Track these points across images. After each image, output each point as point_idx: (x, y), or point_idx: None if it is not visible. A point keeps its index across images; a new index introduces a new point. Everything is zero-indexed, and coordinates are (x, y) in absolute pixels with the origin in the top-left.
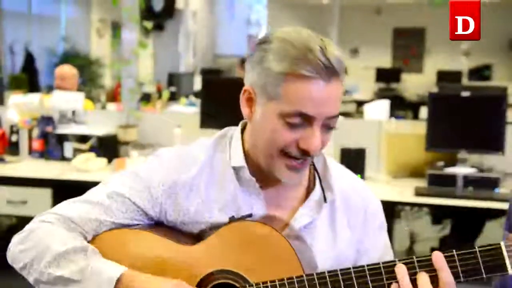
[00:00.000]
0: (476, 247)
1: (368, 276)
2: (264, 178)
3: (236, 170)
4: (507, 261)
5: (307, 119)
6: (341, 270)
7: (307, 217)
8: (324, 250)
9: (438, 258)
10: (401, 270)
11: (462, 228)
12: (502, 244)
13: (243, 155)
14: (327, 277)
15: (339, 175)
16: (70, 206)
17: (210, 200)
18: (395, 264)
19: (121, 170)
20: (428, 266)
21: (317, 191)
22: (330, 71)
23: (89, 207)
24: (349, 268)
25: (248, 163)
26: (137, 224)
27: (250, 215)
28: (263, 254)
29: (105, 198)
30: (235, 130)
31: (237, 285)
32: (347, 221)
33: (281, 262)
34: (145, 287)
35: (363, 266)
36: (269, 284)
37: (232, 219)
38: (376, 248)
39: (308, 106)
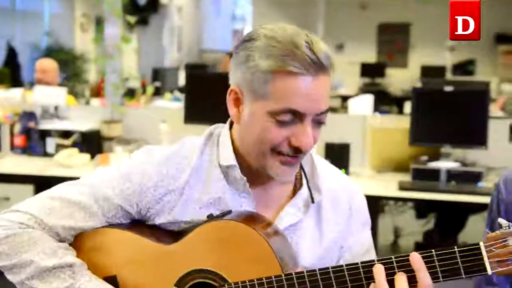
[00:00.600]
0: (455, 247)
1: (346, 276)
2: (253, 177)
3: (225, 169)
4: (487, 262)
5: (297, 116)
6: (320, 269)
7: (294, 216)
8: (310, 249)
9: (416, 259)
10: (378, 270)
11: (446, 222)
12: (481, 244)
13: (233, 154)
14: (306, 276)
15: (326, 174)
16: (54, 208)
17: (195, 200)
18: (373, 264)
19: (104, 166)
20: (407, 266)
21: (304, 191)
22: (318, 66)
23: (72, 211)
24: (328, 268)
25: (238, 162)
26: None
27: (229, 212)
28: (241, 253)
29: (92, 201)
30: (223, 128)
31: (216, 284)
32: (334, 220)
33: (260, 261)
34: None
35: (341, 266)
36: (247, 283)
37: (210, 217)
38: (359, 244)
39: (298, 103)
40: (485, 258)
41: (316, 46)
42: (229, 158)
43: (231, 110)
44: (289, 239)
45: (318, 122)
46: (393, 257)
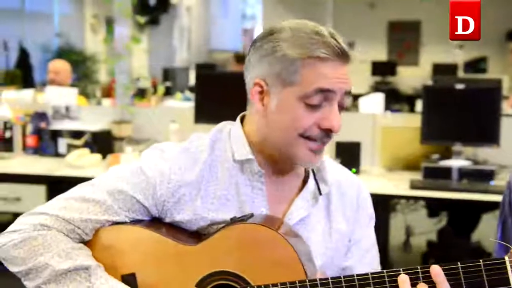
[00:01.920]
0: (481, 261)
1: (372, 284)
2: (267, 171)
3: (240, 163)
4: (511, 276)
5: (326, 97)
6: (344, 276)
7: (303, 210)
8: (320, 242)
9: (436, 272)
10: (403, 280)
11: (458, 220)
12: (507, 258)
13: (250, 148)
14: (330, 283)
15: (333, 167)
16: (69, 205)
17: (212, 196)
18: (399, 273)
19: (115, 166)
20: (430, 277)
21: (311, 184)
22: (343, 54)
23: (89, 206)
24: (353, 276)
25: (254, 156)
26: (135, 220)
27: (252, 215)
28: (265, 256)
29: (106, 196)
30: (233, 124)
31: (238, 286)
32: (342, 213)
33: (283, 265)
34: None
35: (367, 274)
36: (271, 287)
37: (233, 220)
38: (366, 238)
39: (328, 83)
40: (510, 272)
41: (337, 35)
42: (245, 153)
43: (256, 104)
44: (300, 233)
45: (341, 106)
46: (418, 267)
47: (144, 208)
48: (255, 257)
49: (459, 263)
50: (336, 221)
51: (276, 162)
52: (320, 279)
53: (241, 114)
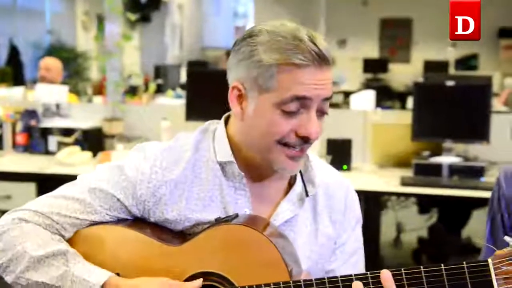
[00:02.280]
0: (464, 263)
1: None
2: (249, 173)
3: (222, 165)
4: (494, 279)
5: (303, 104)
6: (328, 278)
7: (289, 212)
8: (305, 244)
9: (386, 276)
10: (386, 276)
11: (449, 217)
12: (490, 261)
13: (230, 150)
14: (314, 284)
15: (320, 168)
16: (48, 202)
17: (195, 196)
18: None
19: (100, 165)
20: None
21: (298, 185)
22: (321, 58)
23: (68, 203)
24: (337, 277)
25: (235, 157)
26: (120, 220)
27: (236, 216)
28: (249, 257)
29: (87, 194)
30: (218, 124)
31: (222, 287)
32: (329, 216)
33: (267, 266)
34: (137, 286)
35: (350, 275)
36: (254, 287)
37: (218, 220)
38: (351, 241)
39: (304, 90)
40: (493, 275)
41: (318, 39)
42: (226, 154)
43: (234, 107)
44: (286, 235)
45: (322, 111)
46: (368, 273)
47: (125, 207)
48: (240, 258)
49: (442, 264)
50: (322, 224)
51: (257, 165)
52: (304, 280)
53: (226, 114)
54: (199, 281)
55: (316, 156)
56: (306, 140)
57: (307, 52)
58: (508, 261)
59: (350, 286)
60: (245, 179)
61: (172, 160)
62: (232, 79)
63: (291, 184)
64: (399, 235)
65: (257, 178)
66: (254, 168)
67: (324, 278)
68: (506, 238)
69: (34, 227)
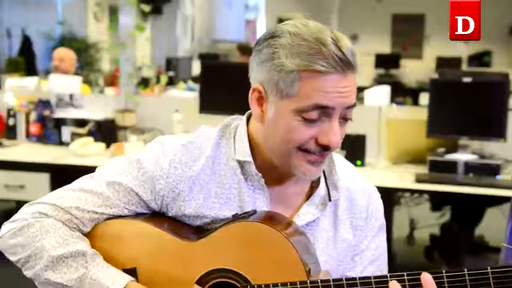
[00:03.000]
0: (465, 270)
1: (373, 285)
2: (269, 174)
3: (241, 164)
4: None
5: (325, 113)
6: (346, 279)
7: (311, 215)
8: (324, 248)
9: (427, 279)
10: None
11: (462, 215)
12: (489, 269)
13: (250, 149)
14: (332, 286)
15: (344, 173)
16: (67, 195)
17: (213, 195)
18: (418, 276)
19: (119, 155)
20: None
21: (321, 189)
22: (345, 64)
23: (87, 197)
24: (355, 278)
25: (254, 158)
26: (137, 214)
27: (254, 212)
28: (266, 255)
29: (105, 188)
30: (240, 121)
31: (238, 285)
32: (350, 222)
33: (284, 264)
34: None
35: (369, 277)
36: (271, 286)
37: (235, 217)
38: (371, 249)
39: (326, 98)
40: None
41: (342, 42)
42: (245, 154)
43: (255, 109)
44: None
45: (345, 118)
46: (405, 274)
47: (143, 202)
48: (256, 256)
49: (443, 271)
50: (343, 230)
51: (276, 167)
52: (322, 281)
53: (248, 112)
54: None
55: (340, 157)
56: (326, 148)
57: (330, 58)
58: None
59: (369, 286)
60: (264, 180)
61: (192, 156)
62: (254, 81)
63: (313, 187)
64: (412, 232)
65: (276, 180)
66: (273, 170)
67: (341, 279)
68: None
69: (54, 222)
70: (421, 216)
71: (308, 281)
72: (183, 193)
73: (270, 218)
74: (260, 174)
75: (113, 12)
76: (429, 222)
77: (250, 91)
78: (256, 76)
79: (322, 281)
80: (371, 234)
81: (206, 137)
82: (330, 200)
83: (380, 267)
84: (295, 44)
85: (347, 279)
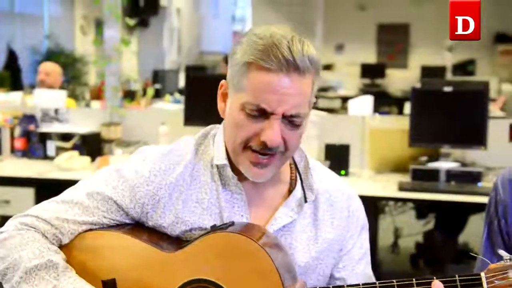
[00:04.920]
0: (456, 276)
1: None
2: (244, 177)
3: (219, 168)
4: None
5: (265, 113)
6: None
7: (288, 217)
8: (304, 249)
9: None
10: None
11: (446, 222)
12: (483, 275)
13: (225, 153)
14: None
15: (323, 176)
16: (49, 207)
17: (194, 199)
18: (392, 284)
19: (104, 168)
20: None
21: (297, 191)
22: (292, 67)
23: (67, 207)
24: (329, 286)
25: (230, 161)
26: (117, 225)
27: (232, 223)
28: (243, 266)
29: (85, 197)
30: (218, 128)
31: None
32: (331, 222)
33: (261, 275)
34: None
35: (343, 286)
36: None
37: (213, 228)
38: (357, 247)
39: (267, 100)
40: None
41: (297, 47)
42: (221, 157)
43: (219, 104)
44: (283, 240)
45: (291, 123)
46: (413, 279)
47: (122, 210)
48: (234, 266)
49: (434, 277)
50: (324, 230)
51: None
52: None
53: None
54: None
55: (319, 163)
56: (265, 146)
57: (277, 58)
58: (502, 275)
59: None
60: (242, 184)
61: (171, 163)
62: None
63: (291, 189)
64: (397, 240)
65: (254, 183)
66: None
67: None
68: (500, 252)
69: (33, 235)
70: (406, 225)
71: None
72: (163, 199)
73: (248, 229)
74: (236, 177)
75: (99, 25)
76: (414, 230)
77: (219, 86)
78: (227, 73)
79: None
80: (356, 233)
81: (185, 145)
82: (305, 201)
83: (367, 265)
84: (252, 42)
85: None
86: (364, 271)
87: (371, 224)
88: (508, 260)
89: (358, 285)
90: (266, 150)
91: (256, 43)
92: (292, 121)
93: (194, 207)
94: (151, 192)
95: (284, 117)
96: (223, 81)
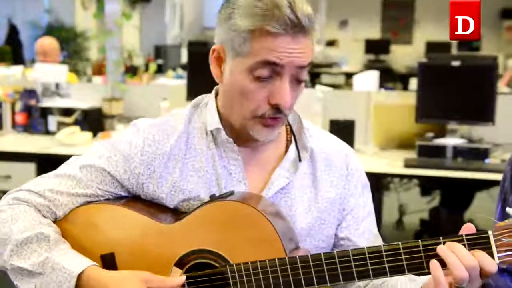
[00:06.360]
0: (464, 235)
1: (352, 261)
2: (240, 139)
3: (214, 134)
4: (495, 251)
5: (275, 71)
6: (324, 254)
7: (284, 178)
8: (305, 210)
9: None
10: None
11: (451, 199)
12: (490, 233)
13: (218, 117)
14: (310, 260)
15: (319, 136)
16: (43, 181)
17: (190, 168)
18: (380, 251)
19: (98, 141)
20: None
21: (291, 152)
22: (297, 27)
23: (60, 181)
24: (333, 252)
25: (223, 125)
26: (113, 198)
27: (232, 193)
28: (244, 234)
29: (78, 170)
30: (210, 97)
31: (217, 265)
32: (330, 181)
33: (263, 243)
34: (107, 284)
35: (347, 251)
36: (250, 265)
37: (212, 198)
38: (361, 207)
39: (275, 56)
40: (493, 248)
41: (298, 6)
42: (214, 123)
43: (214, 69)
44: (283, 203)
45: (297, 79)
46: (400, 243)
47: (116, 181)
48: (234, 235)
49: (441, 237)
50: (324, 190)
51: (245, 133)
52: (300, 256)
53: (216, 87)
54: (182, 278)
55: (315, 126)
56: (277, 109)
57: (282, 20)
58: (510, 233)
59: (348, 262)
60: (237, 146)
61: (165, 133)
62: (216, 42)
63: (287, 150)
64: (402, 217)
65: (248, 145)
66: (243, 136)
67: (320, 254)
68: (508, 210)
69: (25, 209)
70: (411, 201)
71: (287, 257)
72: (158, 169)
73: (248, 198)
74: (231, 140)
75: (100, 0)
76: (419, 207)
77: (210, 51)
78: (217, 37)
79: (300, 257)
80: (357, 191)
81: (178, 116)
82: (300, 160)
83: (372, 223)
84: (251, 5)
85: (325, 254)
86: (369, 229)
87: (376, 201)
88: None
89: (363, 248)
90: (277, 114)
91: (256, 7)
92: (297, 75)
93: (190, 175)
94: (145, 162)
95: (291, 75)
96: (215, 46)
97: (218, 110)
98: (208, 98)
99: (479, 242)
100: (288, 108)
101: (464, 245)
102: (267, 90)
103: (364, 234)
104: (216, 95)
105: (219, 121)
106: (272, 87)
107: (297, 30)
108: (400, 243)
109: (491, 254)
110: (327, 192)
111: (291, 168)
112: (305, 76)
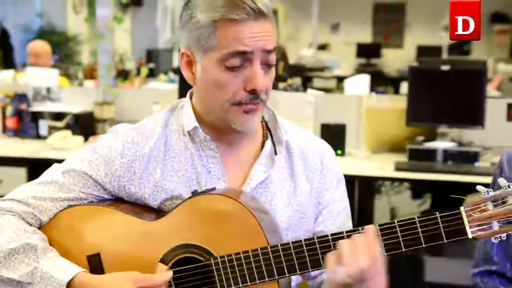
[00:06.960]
0: (437, 213)
1: (332, 246)
2: (218, 138)
3: (191, 134)
4: (467, 226)
5: (245, 58)
6: (305, 240)
7: (262, 173)
8: (285, 204)
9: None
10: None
11: (442, 202)
12: (462, 209)
13: (195, 117)
14: (292, 248)
15: (294, 131)
16: (25, 189)
17: (170, 168)
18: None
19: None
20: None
21: (267, 147)
22: (258, 13)
23: (43, 187)
24: (313, 238)
25: (200, 124)
26: (96, 200)
27: (213, 189)
28: (227, 227)
29: (60, 175)
30: (185, 100)
31: (201, 259)
32: (305, 176)
33: (246, 235)
34: None
35: (327, 236)
36: (233, 256)
37: (195, 193)
38: (336, 200)
39: (243, 44)
40: (466, 223)
41: None
42: (191, 122)
43: (185, 73)
44: (263, 198)
45: (267, 64)
46: (377, 225)
47: (99, 185)
48: (218, 229)
49: (416, 217)
50: (301, 183)
51: (221, 129)
52: (282, 244)
53: (191, 90)
54: (169, 274)
55: (291, 123)
56: (255, 94)
57: (243, 8)
58: (481, 208)
59: (328, 247)
60: (214, 144)
61: (144, 136)
62: (182, 47)
63: (263, 146)
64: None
65: (226, 143)
66: (220, 133)
67: (301, 241)
68: (478, 187)
69: (10, 218)
70: (402, 204)
71: (269, 246)
72: (139, 171)
73: (229, 193)
74: (209, 137)
75: (92, 4)
76: (410, 210)
77: (179, 57)
78: (183, 41)
79: (282, 245)
80: (332, 185)
81: (155, 119)
82: (275, 153)
83: (348, 217)
84: (208, 0)
85: (306, 240)
86: (344, 224)
87: (367, 204)
88: (486, 193)
89: (327, 235)
90: (255, 99)
91: (215, 1)
92: (266, 60)
93: (171, 175)
94: (125, 164)
95: (261, 60)
96: (183, 50)
97: (194, 111)
98: (183, 102)
99: (452, 218)
100: (265, 92)
101: (438, 222)
102: (241, 78)
103: (340, 228)
104: (191, 97)
105: (195, 120)
106: (245, 74)
107: (259, 15)
108: (360, 228)
109: (463, 230)
110: (304, 186)
111: (268, 162)
112: (273, 60)
